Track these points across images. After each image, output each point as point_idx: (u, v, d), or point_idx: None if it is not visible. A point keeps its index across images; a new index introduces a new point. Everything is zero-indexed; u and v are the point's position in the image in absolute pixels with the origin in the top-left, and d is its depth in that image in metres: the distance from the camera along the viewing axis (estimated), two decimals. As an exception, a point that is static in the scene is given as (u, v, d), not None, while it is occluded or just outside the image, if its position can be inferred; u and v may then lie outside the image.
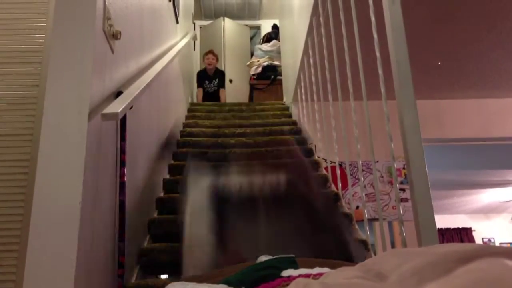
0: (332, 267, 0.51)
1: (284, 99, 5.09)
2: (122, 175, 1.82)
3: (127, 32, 2.00)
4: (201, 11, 7.37)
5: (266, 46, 6.31)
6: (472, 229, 9.24)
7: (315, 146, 3.45)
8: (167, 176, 3.12)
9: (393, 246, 4.26)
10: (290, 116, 4.45)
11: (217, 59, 5.46)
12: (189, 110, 4.78)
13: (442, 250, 0.35)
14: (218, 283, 0.58)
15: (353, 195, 3.95)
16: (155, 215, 2.64)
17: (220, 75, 5.43)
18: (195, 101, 5.58)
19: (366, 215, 2.20)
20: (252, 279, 0.55)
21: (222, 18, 7.01)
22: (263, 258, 0.70)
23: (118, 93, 1.78)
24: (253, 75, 5.99)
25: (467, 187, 7.06)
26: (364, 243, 2.08)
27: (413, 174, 1.43)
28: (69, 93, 1.39)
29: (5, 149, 1.48)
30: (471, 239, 9.10)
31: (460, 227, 9.20)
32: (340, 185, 2.64)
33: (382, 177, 4.41)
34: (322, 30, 2.83)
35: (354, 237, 2.02)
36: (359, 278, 0.36)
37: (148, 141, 2.59)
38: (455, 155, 5.20)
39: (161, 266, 2.24)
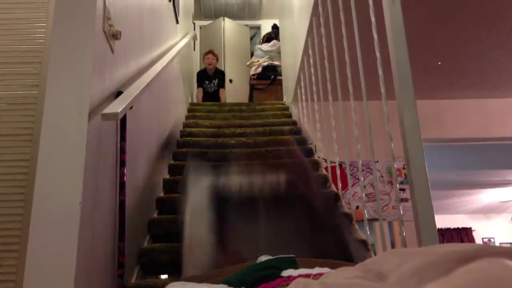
0: (332, 267, 0.51)
1: (284, 99, 5.09)
2: (122, 175, 1.82)
3: (127, 32, 2.00)
4: (201, 11, 7.37)
5: (266, 46, 6.31)
6: (472, 229, 9.24)
7: (315, 146, 3.45)
8: (167, 176, 3.12)
9: (393, 246, 4.26)
10: (290, 116, 4.45)
11: (217, 59, 5.45)
12: (189, 110, 4.78)
13: (442, 250, 0.35)
14: (218, 283, 0.58)
15: (353, 195, 3.95)
16: (155, 215, 2.64)
17: (220, 75, 5.43)
18: (195, 101, 5.58)
19: (366, 215, 2.20)
20: (252, 279, 0.55)
21: (222, 18, 7.01)
22: (263, 258, 0.70)
23: (118, 93, 1.78)
24: (253, 75, 5.99)
25: (467, 187, 7.06)
26: (364, 243, 2.08)
27: (413, 174, 1.43)
28: (69, 93, 1.39)
29: (5, 149, 1.48)
30: (471, 239, 9.10)
31: (460, 227, 9.20)
32: (340, 185, 2.64)
33: (382, 177, 4.41)
34: (322, 30, 2.83)
35: (354, 237, 2.01)
36: (359, 278, 0.36)
37: (148, 141, 2.59)
38: (455, 155, 5.20)
39: (161, 266, 2.24)
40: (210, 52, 5.38)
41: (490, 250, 0.33)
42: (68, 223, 1.28)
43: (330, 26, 2.57)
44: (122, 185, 1.82)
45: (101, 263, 1.60)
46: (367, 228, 2.24)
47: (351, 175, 2.55)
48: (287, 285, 0.45)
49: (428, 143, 4.33)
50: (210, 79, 5.34)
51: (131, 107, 1.82)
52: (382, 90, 1.72)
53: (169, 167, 3.19)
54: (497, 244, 8.83)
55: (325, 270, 0.49)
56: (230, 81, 6.52)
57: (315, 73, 3.14)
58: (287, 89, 4.98)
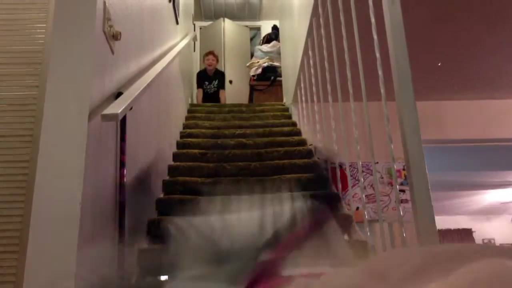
0: (332, 266, 0.51)
1: (284, 100, 5.09)
2: (121, 176, 1.82)
3: (127, 33, 2.00)
4: (201, 12, 7.37)
5: (266, 47, 6.31)
6: (473, 230, 9.24)
7: (314, 147, 3.44)
8: (167, 178, 3.11)
9: (393, 247, 4.25)
10: (290, 117, 4.45)
11: (218, 60, 5.45)
12: (189, 111, 4.78)
13: (442, 250, 0.35)
14: (217, 278, 0.57)
15: (353, 196, 3.94)
16: (155, 216, 2.64)
17: (220, 76, 5.43)
18: (195, 102, 5.58)
19: (366, 216, 2.20)
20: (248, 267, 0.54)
21: (222, 19, 7.01)
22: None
23: (118, 94, 1.78)
24: (253, 76, 5.99)
25: (467, 188, 7.06)
26: (364, 244, 2.08)
27: (413, 175, 1.43)
28: (69, 94, 1.39)
29: (5, 150, 1.48)
30: (472, 240, 9.09)
31: (461, 228, 9.20)
32: (340, 186, 2.64)
33: (382, 178, 4.41)
34: (322, 31, 2.83)
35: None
36: (359, 278, 0.36)
37: (148, 141, 2.59)
38: (455, 156, 5.20)
39: (160, 267, 2.23)
40: (211, 53, 5.38)
41: (490, 250, 0.33)
42: (68, 223, 1.28)
43: (330, 27, 2.57)
44: (121, 186, 1.82)
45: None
46: (367, 229, 2.24)
47: (351, 176, 2.55)
48: (287, 285, 0.44)
49: (428, 144, 4.33)
50: (210, 80, 5.33)
51: (131, 108, 1.82)
52: (382, 91, 1.72)
53: (168, 168, 3.18)
54: (497, 245, 8.81)
55: (324, 269, 0.49)
56: (230, 82, 6.52)
57: (315, 74, 3.14)
58: (287, 90, 4.98)
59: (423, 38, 3.27)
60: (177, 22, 4.21)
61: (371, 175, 4.25)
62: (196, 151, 3.39)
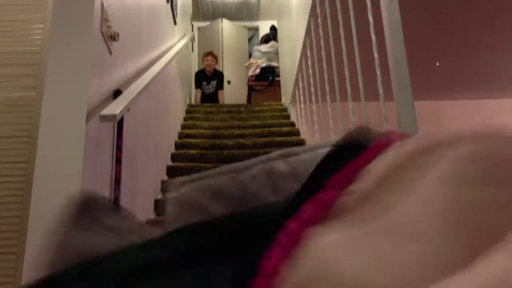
0: None
1: (283, 100, 5.10)
2: (117, 171, 1.80)
3: (125, 33, 2.00)
4: (199, 13, 7.37)
5: (264, 47, 6.31)
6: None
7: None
8: (165, 178, 3.11)
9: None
10: (288, 117, 4.46)
11: (217, 61, 5.45)
12: (187, 112, 4.78)
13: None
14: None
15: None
16: (154, 217, 2.63)
17: (218, 76, 5.42)
18: (193, 102, 5.57)
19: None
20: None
21: (220, 19, 7.01)
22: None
23: (115, 92, 1.78)
24: (251, 76, 5.99)
25: (465, 187, 7.06)
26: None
27: (411, 175, 1.43)
28: (67, 95, 1.39)
29: (3, 151, 1.48)
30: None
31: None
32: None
33: (381, 178, 4.41)
34: (320, 31, 2.83)
35: None
36: None
37: (146, 142, 2.59)
38: (454, 155, 5.20)
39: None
40: (210, 53, 5.37)
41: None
42: (66, 225, 1.27)
43: (328, 27, 2.57)
44: (117, 181, 1.80)
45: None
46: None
47: (349, 176, 2.55)
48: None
49: (427, 143, 4.33)
50: (209, 80, 5.33)
51: (128, 109, 1.81)
52: (380, 91, 1.72)
53: (167, 169, 3.18)
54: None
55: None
56: (228, 82, 6.52)
57: (313, 74, 3.14)
58: (285, 90, 4.98)
59: (421, 37, 3.27)
60: (175, 23, 4.21)
61: (370, 175, 4.25)
62: (194, 151, 3.39)
